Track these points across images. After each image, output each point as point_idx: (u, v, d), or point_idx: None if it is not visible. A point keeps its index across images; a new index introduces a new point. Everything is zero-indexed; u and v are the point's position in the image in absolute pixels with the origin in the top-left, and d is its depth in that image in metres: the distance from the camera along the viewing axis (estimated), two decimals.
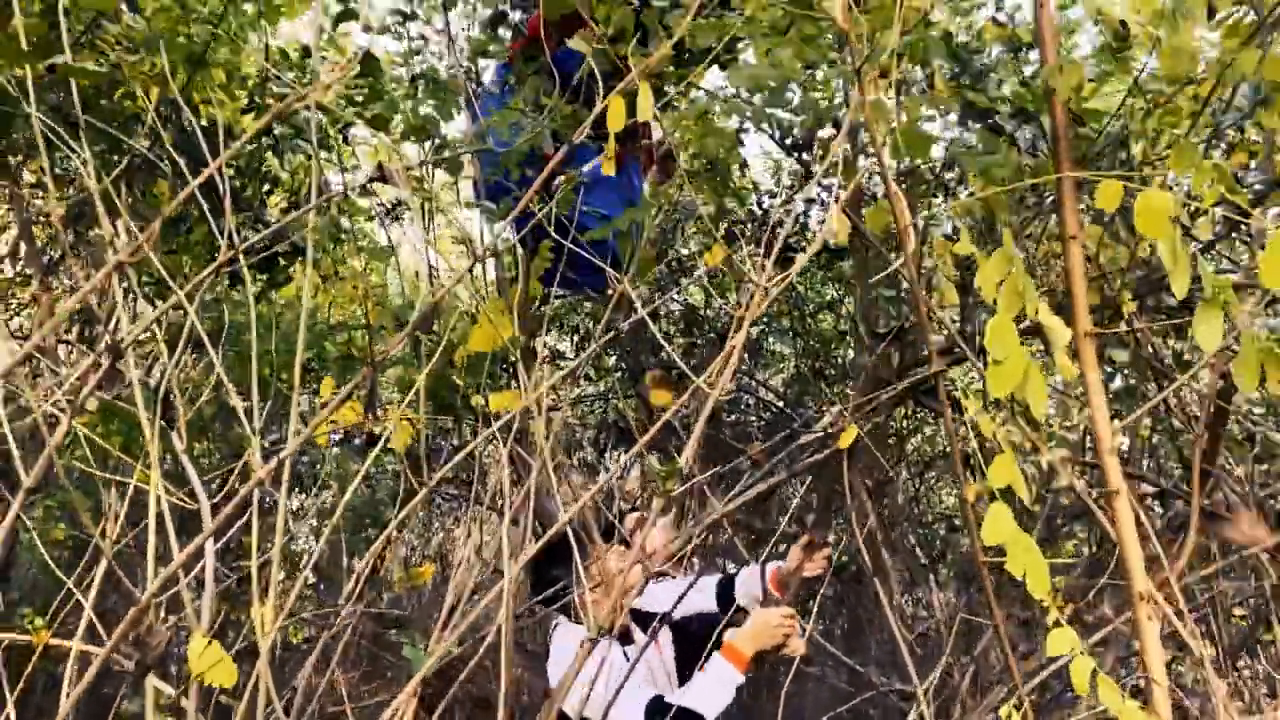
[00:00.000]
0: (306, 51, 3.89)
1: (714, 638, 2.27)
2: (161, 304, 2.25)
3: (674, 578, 3.07)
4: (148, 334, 1.68)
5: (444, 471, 1.71)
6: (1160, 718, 1.22)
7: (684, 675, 2.49)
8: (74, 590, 1.46)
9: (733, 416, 4.83)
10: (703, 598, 2.67)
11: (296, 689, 1.77)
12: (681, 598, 2.39)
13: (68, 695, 1.21)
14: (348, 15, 3.20)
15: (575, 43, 1.88)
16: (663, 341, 1.44)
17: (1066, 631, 1.03)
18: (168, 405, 1.65)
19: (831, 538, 2.37)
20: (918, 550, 4.17)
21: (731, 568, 3.85)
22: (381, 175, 1.54)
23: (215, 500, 1.65)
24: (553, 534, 1.39)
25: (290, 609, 1.46)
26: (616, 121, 1.12)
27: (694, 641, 2.50)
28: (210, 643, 1.36)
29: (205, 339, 1.41)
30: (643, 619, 2.60)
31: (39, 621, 1.33)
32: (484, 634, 1.68)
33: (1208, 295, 0.90)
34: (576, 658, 1.65)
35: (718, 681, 2.20)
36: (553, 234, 1.86)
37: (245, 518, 1.47)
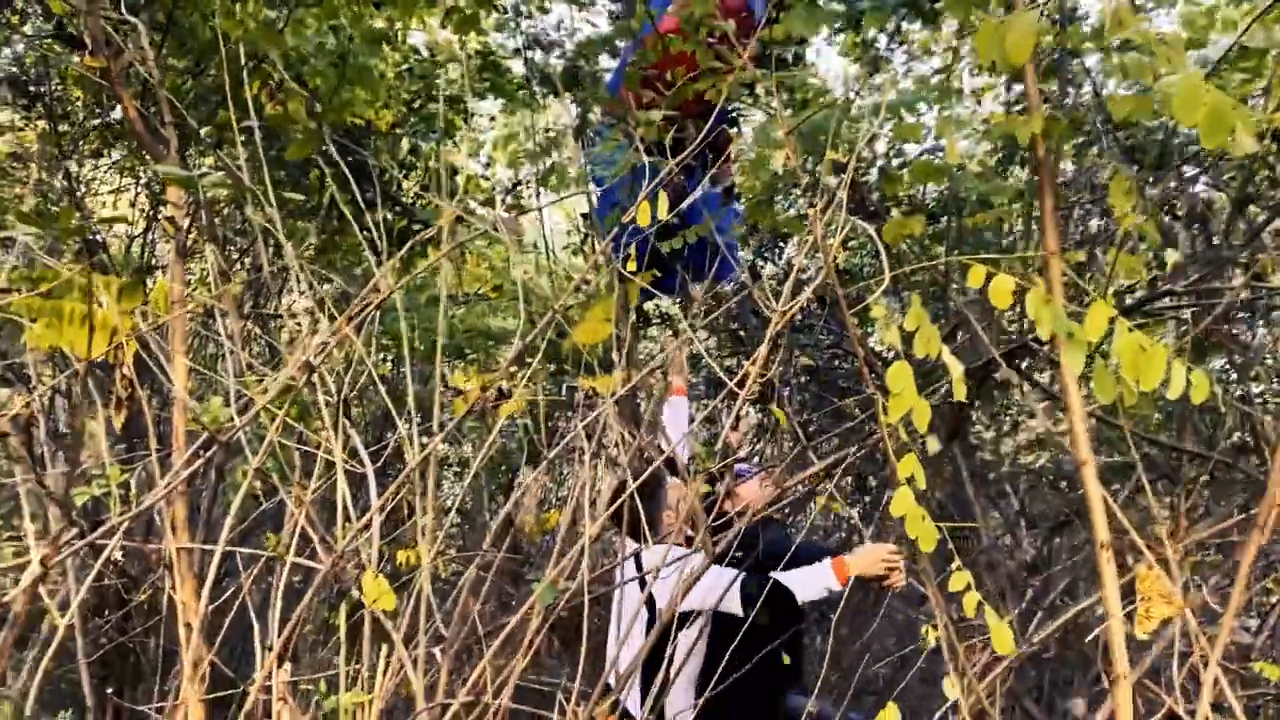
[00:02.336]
0: (432, 51, 4.35)
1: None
2: (314, 275, 2.72)
3: (780, 521, 3.46)
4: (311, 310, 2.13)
5: (565, 443, 2.12)
6: (1116, 648, 1.53)
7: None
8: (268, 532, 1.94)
9: (841, 367, 5.11)
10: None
11: (451, 613, 2.22)
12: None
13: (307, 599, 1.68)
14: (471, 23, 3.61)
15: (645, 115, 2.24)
16: (705, 355, 1.78)
17: (963, 574, 1.35)
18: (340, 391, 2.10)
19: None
20: (1012, 499, 4.40)
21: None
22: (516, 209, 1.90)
23: (377, 465, 2.11)
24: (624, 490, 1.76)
25: (439, 548, 1.90)
26: (644, 220, 1.48)
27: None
28: (377, 576, 1.82)
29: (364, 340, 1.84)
30: None
31: (273, 538, 1.80)
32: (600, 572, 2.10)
33: (1067, 338, 1.19)
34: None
35: (816, 577, 2.61)
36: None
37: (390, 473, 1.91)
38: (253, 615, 1.84)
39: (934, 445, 1.32)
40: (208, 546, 1.76)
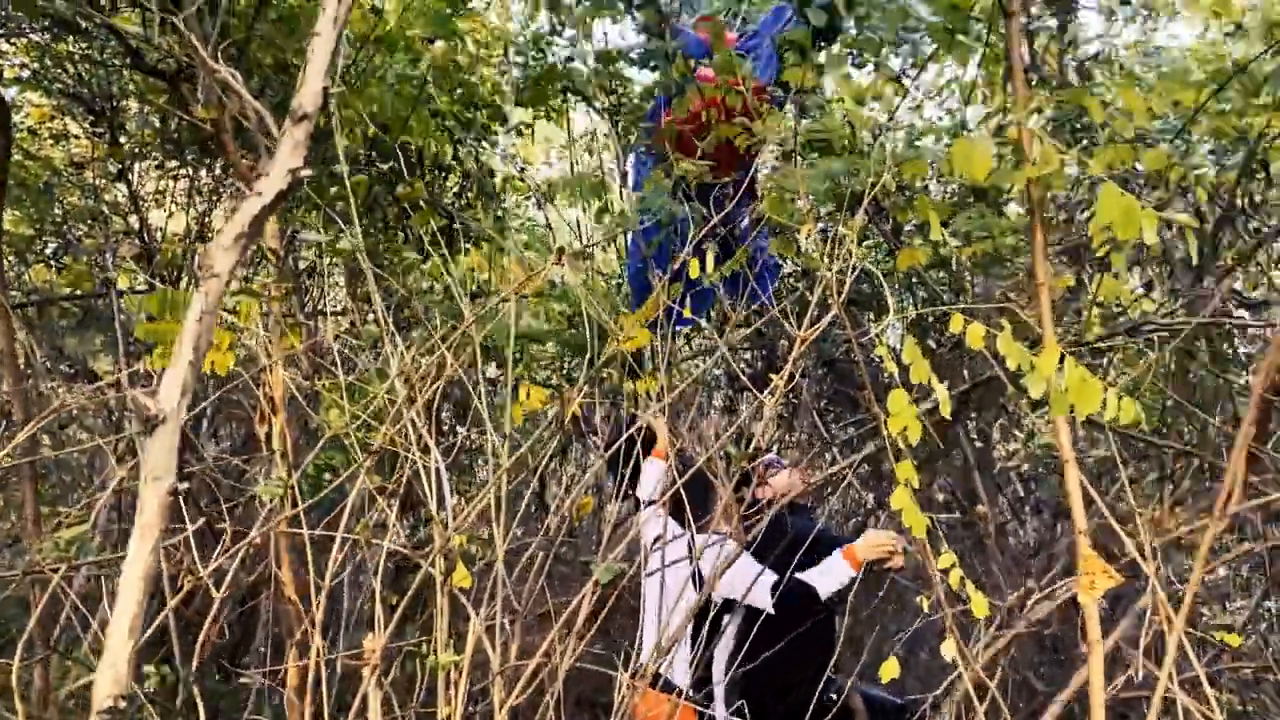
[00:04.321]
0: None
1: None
2: (354, 275, 3.00)
3: (808, 508, 3.76)
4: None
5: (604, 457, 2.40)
6: (1090, 619, 1.81)
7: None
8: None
9: (857, 361, 5.38)
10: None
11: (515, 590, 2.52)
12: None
13: (374, 577, 1.98)
14: None
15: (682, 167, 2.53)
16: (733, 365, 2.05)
17: (949, 555, 1.64)
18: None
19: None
20: (1018, 487, 4.68)
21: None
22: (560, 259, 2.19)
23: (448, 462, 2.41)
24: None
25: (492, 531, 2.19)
26: (695, 273, 1.78)
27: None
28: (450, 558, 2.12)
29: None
30: None
31: (363, 523, 2.09)
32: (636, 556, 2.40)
33: (1030, 369, 1.47)
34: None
35: (832, 571, 2.93)
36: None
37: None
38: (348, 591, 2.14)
39: (945, 405, 1.55)
40: (313, 532, 2.05)
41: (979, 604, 1.66)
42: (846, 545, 3.00)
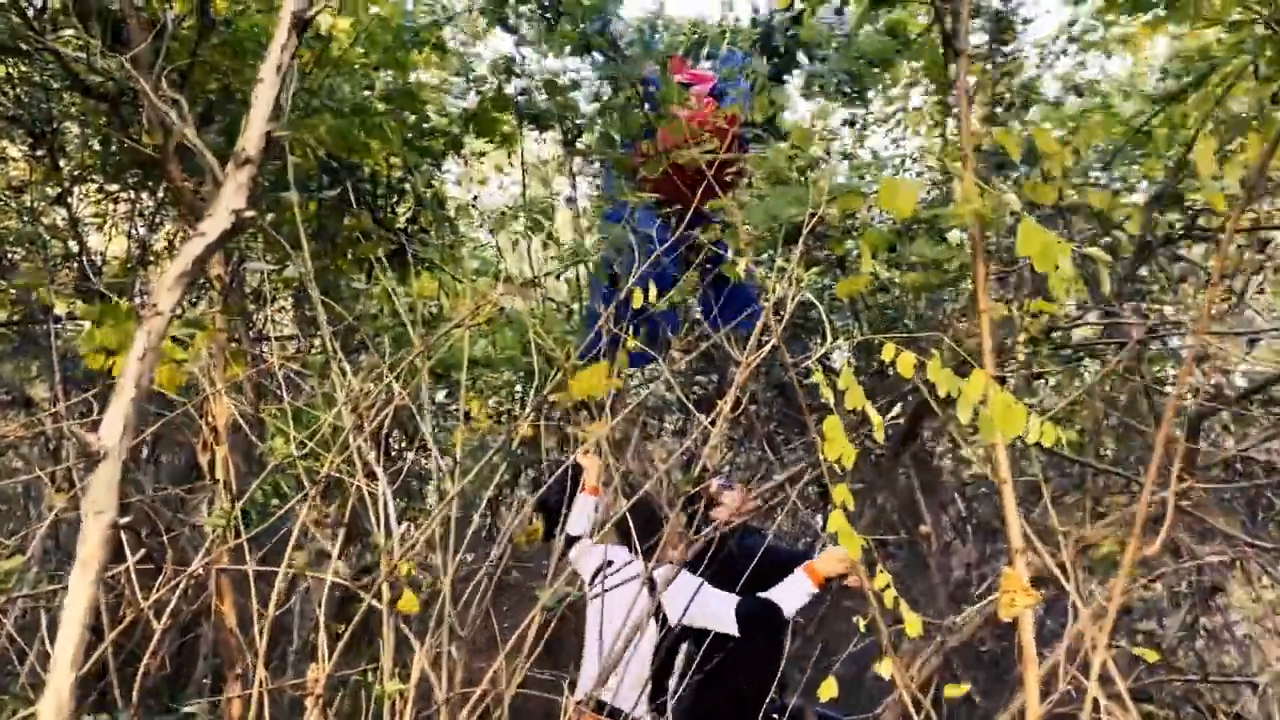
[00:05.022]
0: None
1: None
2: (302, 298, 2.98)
3: (757, 528, 3.79)
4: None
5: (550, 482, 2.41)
6: (1025, 634, 1.86)
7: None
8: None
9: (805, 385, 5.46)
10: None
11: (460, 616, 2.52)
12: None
13: (318, 607, 1.96)
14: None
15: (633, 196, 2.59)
16: (679, 392, 2.09)
17: (884, 575, 1.69)
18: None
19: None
20: (960, 509, 4.77)
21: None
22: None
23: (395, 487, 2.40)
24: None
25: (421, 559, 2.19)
26: (638, 302, 1.82)
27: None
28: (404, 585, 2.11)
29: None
30: None
31: (300, 555, 2.08)
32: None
33: (960, 396, 1.53)
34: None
35: (796, 587, 2.93)
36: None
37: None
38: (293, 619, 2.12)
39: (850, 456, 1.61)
40: (250, 567, 2.03)
41: (912, 623, 1.70)
42: (806, 562, 3.01)
